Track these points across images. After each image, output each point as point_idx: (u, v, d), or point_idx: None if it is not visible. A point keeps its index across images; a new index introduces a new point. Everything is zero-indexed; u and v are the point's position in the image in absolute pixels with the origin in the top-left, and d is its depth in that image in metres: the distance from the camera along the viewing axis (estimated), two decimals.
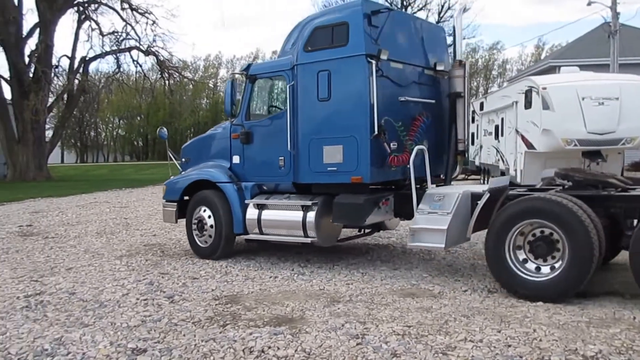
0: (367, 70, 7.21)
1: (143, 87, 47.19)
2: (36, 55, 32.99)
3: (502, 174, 15.55)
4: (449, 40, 9.90)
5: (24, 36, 33.59)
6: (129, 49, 37.27)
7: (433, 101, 8.33)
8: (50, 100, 36.02)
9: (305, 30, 7.90)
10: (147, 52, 36.95)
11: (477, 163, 21.14)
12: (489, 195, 6.69)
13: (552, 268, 6.14)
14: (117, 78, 40.52)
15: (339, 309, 5.94)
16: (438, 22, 50.88)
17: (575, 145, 11.99)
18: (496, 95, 18.22)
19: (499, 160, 16.47)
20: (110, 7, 36.25)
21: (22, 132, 32.70)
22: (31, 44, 33.94)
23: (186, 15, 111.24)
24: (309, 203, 7.86)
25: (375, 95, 7.17)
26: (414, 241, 7.03)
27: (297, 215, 7.89)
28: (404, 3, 51.75)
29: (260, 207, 8.34)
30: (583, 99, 11.99)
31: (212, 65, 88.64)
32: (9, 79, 32.85)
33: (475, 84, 77.83)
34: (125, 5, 35.80)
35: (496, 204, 6.59)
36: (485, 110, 19.09)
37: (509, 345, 4.73)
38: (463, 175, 24.27)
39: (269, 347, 4.84)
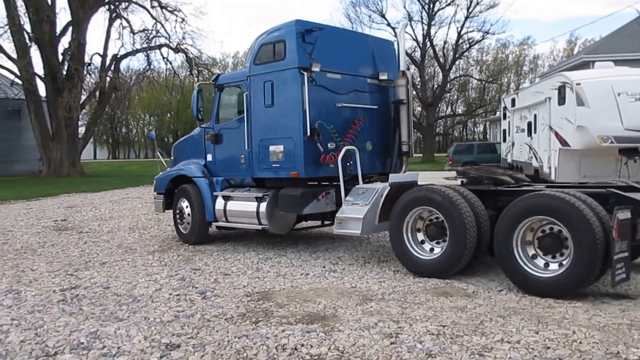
0: (300, 80, 8.17)
1: (173, 84, 47.85)
2: (69, 53, 33.63)
3: (536, 171, 15.27)
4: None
5: (57, 34, 34.24)
6: (159, 47, 37.75)
7: (375, 107, 9.25)
8: (83, 97, 36.69)
9: (255, 46, 8.93)
10: (176, 50, 37.39)
11: (509, 160, 20.75)
12: (389, 188, 7.64)
13: (432, 250, 7.25)
14: (147, 75, 41.00)
15: (371, 307, 5.89)
16: (467, 17, 50.32)
17: (612, 142, 11.71)
18: (528, 91, 17.88)
19: (532, 157, 16.16)
20: (140, 5, 36.81)
21: (56, 129, 33.40)
22: (64, 42, 34.72)
23: (214, 13, 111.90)
24: (261, 195, 8.90)
25: (307, 102, 8.13)
26: (339, 228, 7.93)
27: (253, 205, 8.97)
28: None
29: (226, 198, 9.45)
30: (619, 94, 11.70)
31: (241, 62, 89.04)
32: (43, 76, 33.53)
33: (505, 80, 76.77)
34: (155, 3, 36.30)
35: None
36: (517, 106, 18.76)
37: (548, 347, 4.61)
38: None
39: (302, 345, 4.80)
